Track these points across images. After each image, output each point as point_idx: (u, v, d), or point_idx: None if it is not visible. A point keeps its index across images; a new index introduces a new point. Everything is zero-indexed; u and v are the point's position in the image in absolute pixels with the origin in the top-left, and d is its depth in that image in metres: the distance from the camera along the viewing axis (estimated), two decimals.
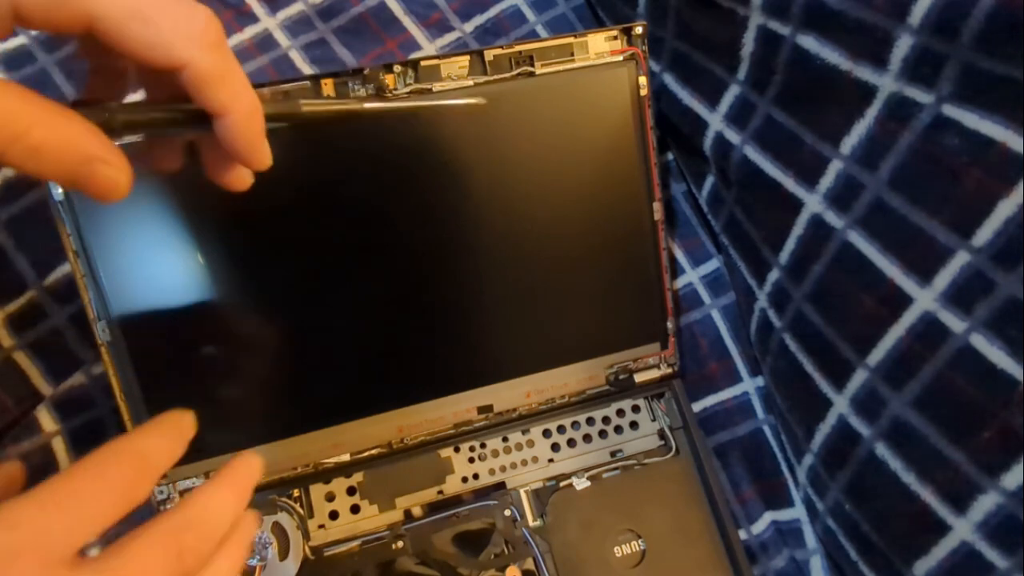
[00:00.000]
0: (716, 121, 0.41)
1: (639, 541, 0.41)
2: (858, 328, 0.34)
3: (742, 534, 0.43)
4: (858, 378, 0.35)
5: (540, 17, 0.52)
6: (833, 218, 0.35)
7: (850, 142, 0.34)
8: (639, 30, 0.40)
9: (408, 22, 0.50)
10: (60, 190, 0.34)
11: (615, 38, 0.40)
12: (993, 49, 0.28)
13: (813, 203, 0.36)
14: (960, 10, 0.28)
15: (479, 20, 0.51)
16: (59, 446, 0.40)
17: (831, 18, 0.33)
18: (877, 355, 0.34)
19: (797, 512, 0.43)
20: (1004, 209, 0.28)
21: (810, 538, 0.43)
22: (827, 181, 0.35)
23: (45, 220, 0.43)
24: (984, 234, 0.29)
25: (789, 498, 0.44)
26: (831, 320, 0.36)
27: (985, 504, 0.30)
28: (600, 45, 0.40)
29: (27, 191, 0.43)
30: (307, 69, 0.48)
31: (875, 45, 0.31)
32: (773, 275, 0.39)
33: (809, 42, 0.34)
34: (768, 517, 0.43)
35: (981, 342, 0.29)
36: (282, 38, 0.48)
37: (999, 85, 0.28)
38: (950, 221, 0.30)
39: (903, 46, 0.30)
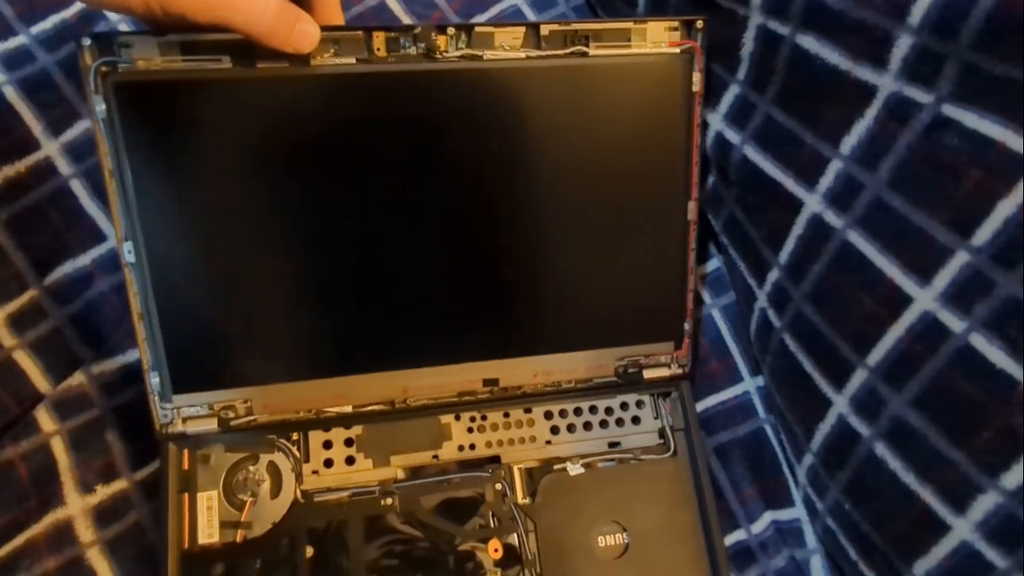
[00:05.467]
0: (716, 121, 0.41)
1: (624, 534, 0.41)
2: (858, 328, 0.34)
3: (742, 534, 0.43)
4: (858, 378, 0.35)
5: (540, 17, 0.52)
6: (833, 218, 0.35)
7: (850, 142, 0.34)
8: (700, 24, 0.39)
9: (408, 22, 0.50)
10: (103, 107, 0.34)
11: (675, 29, 0.39)
12: (993, 49, 0.28)
13: (813, 203, 0.36)
14: (960, 10, 0.28)
15: (479, 20, 0.51)
16: (58, 446, 0.40)
17: (831, 18, 0.33)
18: (877, 355, 0.34)
19: (797, 512, 0.43)
20: (1004, 209, 0.28)
21: (810, 538, 0.43)
22: (827, 181, 0.35)
23: (45, 220, 0.44)
24: (984, 234, 0.29)
25: (789, 498, 0.44)
26: (831, 320, 0.36)
27: (985, 504, 0.30)
28: (659, 35, 0.39)
29: (27, 191, 0.43)
30: None
31: (875, 45, 0.32)
32: (773, 275, 0.39)
33: (809, 42, 0.34)
34: (768, 516, 0.43)
35: (981, 342, 0.29)
36: None
37: (999, 85, 0.28)
38: (950, 221, 0.30)
39: (903, 46, 0.30)
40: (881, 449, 0.34)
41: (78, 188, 0.44)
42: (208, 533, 0.38)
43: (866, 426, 0.35)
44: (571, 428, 0.43)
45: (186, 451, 0.39)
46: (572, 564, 0.40)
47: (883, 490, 0.34)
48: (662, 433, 0.43)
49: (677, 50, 0.39)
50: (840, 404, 0.36)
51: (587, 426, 0.43)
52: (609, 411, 0.43)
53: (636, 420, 0.43)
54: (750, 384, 0.46)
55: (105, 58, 0.34)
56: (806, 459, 0.40)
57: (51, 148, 0.44)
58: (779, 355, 0.40)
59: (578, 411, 0.43)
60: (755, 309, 0.42)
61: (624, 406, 0.44)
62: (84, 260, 0.43)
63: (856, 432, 0.35)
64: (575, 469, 0.41)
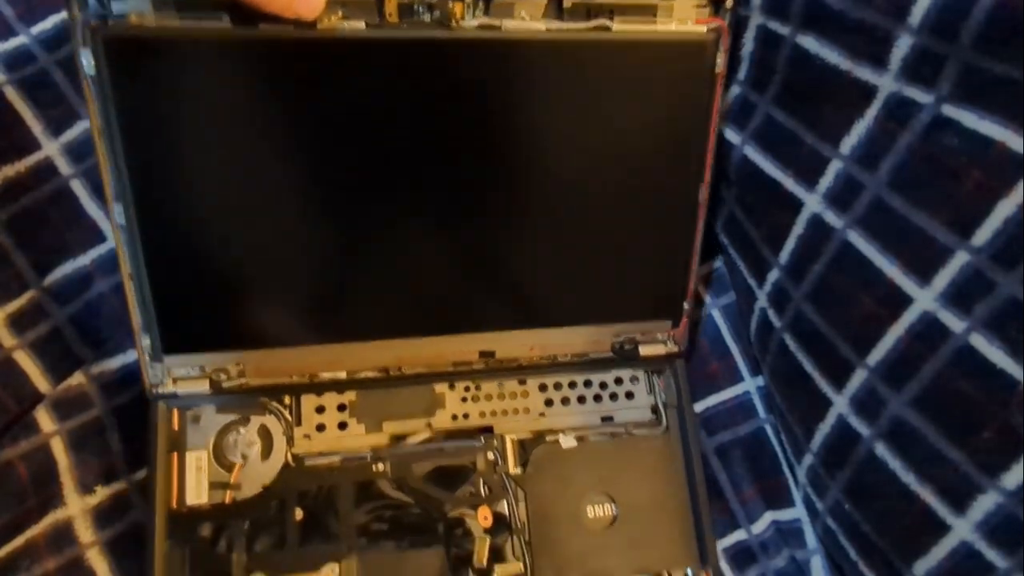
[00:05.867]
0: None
1: (613, 505, 0.41)
2: (858, 328, 0.35)
3: (742, 534, 0.43)
4: (858, 378, 0.35)
5: None
6: (833, 218, 0.35)
7: (850, 142, 0.34)
8: (729, 3, 0.38)
9: None
10: (91, 62, 0.32)
11: (703, 6, 0.38)
12: (993, 49, 0.28)
13: (813, 203, 0.36)
14: (960, 10, 0.28)
15: None
16: (58, 446, 0.40)
17: (831, 18, 0.33)
18: (877, 355, 0.34)
19: (798, 512, 0.43)
20: (1004, 209, 0.28)
21: (810, 538, 0.43)
22: (827, 181, 0.35)
23: (45, 220, 0.44)
24: (984, 234, 0.29)
25: (790, 498, 0.44)
26: (831, 320, 0.36)
27: (985, 504, 0.30)
28: (686, 11, 0.38)
29: (27, 191, 0.43)
30: None
31: (875, 45, 0.32)
32: (773, 275, 0.39)
33: (809, 42, 0.34)
34: (769, 517, 0.44)
35: (981, 342, 0.29)
36: None
37: (999, 85, 0.28)
38: (950, 221, 0.30)
39: (903, 46, 0.31)
40: (881, 449, 0.34)
41: (78, 188, 0.44)
42: (197, 494, 0.38)
43: (866, 426, 0.35)
44: (565, 401, 0.43)
45: (176, 411, 0.38)
46: (561, 533, 0.40)
47: (883, 490, 0.34)
48: (655, 409, 0.44)
49: (704, 28, 0.38)
50: (840, 404, 0.36)
51: (581, 399, 0.43)
52: (603, 385, 0.44)
53: (630, 395, 0.44)
54: (750, 384, 0.46)
55: (95, 11, 0.32)
56: (806, 459, 0.40)
57: (51, 148, 0.44)
58: (779, 355, 0.40)
59: (572, 384, 0.43)
60: (755, 309, 0.42)
61: (619, 381, 0.44)
62: (84, 260, 0.43)
63: (856, 432, 0.35)
64: (567, 441, 0.41)
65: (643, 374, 0.44)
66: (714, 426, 0.45)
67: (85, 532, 0.39)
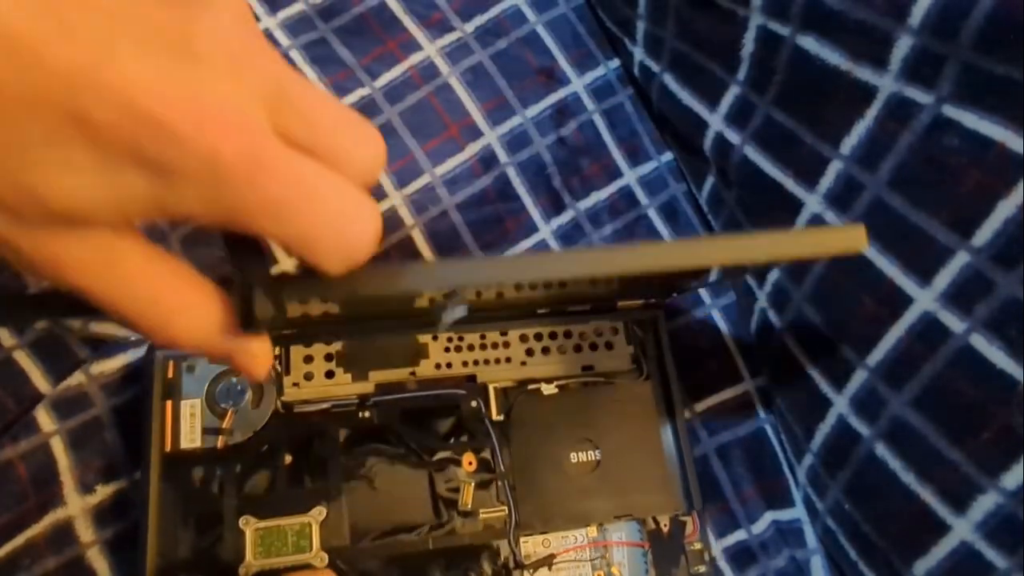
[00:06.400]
0: (716, 121, 0.41)
1: (596, 451, 0.41)
2: (858, 328, 0.35)
3: (742, 534, 0.43)
4: (858, 378, 0.35)
5: (540, 17, 0.52)
6: (833, 219, 0.35)
7: (850, 142, 0.34)
8: None
9: (408, 22, 0.50)
10: None
11: None
12: (993, 49, 0.28)
13: (813, 203, 0.36)
14: (960, 10, 0.28)
15: (479, 20, 0.51)
16: (57, 446, 0.40)
17: (831, 19, 0.33)
18: (877, 355, 0.34)
19: (798, 512, 0.43)
20: (1004, 209, 0.28)
21: (810, 538, 0.43)
22: (827, 181, 0.35)
23: None
24: (984, 234, 0.29)
25: (790, 498, 0.44)
26: (831, 320, 0.36)
27: (985, 504, 0.30)
28: None
29: None
30: (307, 69, 0.48)
31: (875, 45, 0.32)
32: (773, 275, 0.39)
33: (809, 42, 0.34)
34: (769, 517, 0.43)
35: (981, 342, 0.29)
36: (282, 37, 0.48)
37: (999, 85, 0.28)
38: (950, 221, 0.30)
39: (903, 46, 0.31)
40: (881, 449, 0.34)
41: None
42: (190, 439, 0.39)
43: (866, 426, 0.35)
44: (546, 351, 0.43)
45: (171, 361, 0.40)
46: (545, 478, 0.41)
47: (883, 490, 0.34)
48: (635, 358, 0.44)
49: None
50: (840, 404, 0.36)
51: (561, 350, 0.43)
52: (583, 336, 0.44)
53: (609, 345, 0.44)
54: (750, 384, 0.46)
55: None
56: (806, 459, 0.40)
57: None
58: (779, 355, 0.40)
59: (553, 335, 0.44)
60: (755, 309, 0.42)
61: (599, 332, 0.44)
62: None
63: (856, 432, 0.35)
64: (549, 390, 0.42)
65: (622, 324, 0.44)
66: (714, 426, 0.45)
67: (85, 531, 0.39)
